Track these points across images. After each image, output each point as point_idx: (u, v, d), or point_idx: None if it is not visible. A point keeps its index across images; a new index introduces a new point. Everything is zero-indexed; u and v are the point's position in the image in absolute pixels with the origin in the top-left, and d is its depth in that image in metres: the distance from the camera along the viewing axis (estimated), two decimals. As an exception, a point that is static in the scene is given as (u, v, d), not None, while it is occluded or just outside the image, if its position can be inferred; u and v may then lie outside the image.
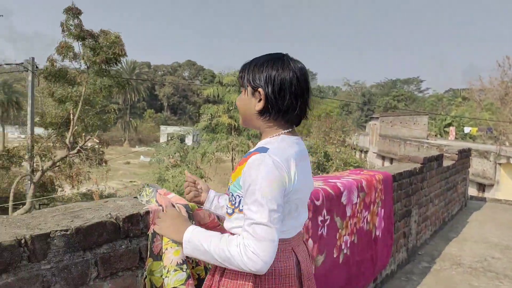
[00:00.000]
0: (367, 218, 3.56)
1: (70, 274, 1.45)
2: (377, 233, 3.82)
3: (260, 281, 1.39)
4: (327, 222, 2.90)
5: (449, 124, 40.68)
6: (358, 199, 3.34)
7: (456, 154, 7.39)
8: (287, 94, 1.38)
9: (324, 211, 2.84)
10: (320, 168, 15.36)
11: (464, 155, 8.13)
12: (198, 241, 1.40)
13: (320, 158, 15.77)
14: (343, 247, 3.17)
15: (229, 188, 1.48)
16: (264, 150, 1.35)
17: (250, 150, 1.43)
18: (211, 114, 22.08)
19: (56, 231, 1.41)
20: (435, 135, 38.62)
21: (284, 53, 1.47)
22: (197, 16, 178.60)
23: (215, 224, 1.81)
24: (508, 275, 4.72)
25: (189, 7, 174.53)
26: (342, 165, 16.14)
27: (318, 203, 2.75)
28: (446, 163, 6.67)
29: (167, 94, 60.92)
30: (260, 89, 1.40)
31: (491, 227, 6.89)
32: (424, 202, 5.46)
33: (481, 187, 20.15)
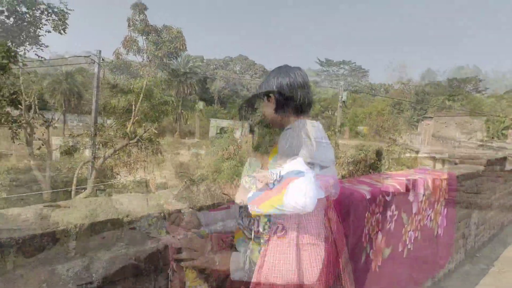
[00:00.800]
0: (430, 216, 3.70)
1: (191, 245, 1.75)
2: (439, 232, 3.94)
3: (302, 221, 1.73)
4: (395, 217, 3.08)
5: (508, 127, 38.80)
6: (424, 197, 3.49)
7: (520, 157, 7.26)
8: (286, 91, 1.84)
9: (393, 207, 3.02)
10: (372, 167, 15.24)
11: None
12: (257, 199, 1.72)
13: (371, 156, 15.66)
14: (407, 242, 3.34)
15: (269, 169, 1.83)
16: (287, 129, 1.78)
17: None
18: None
19: (185, 208, 1.71)
20: (492, 138, 37.01)
21: (284, 64, 1.92)
22: (251, 12, 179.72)
23: None
24: None
25: (244, 2, 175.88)
26: (395, 164, 15.96)
27: (388, 198, 2.94)
28: (510, 166, 6.58)
29: (218, 88, 61.79)
30: (270, 94, 1.87)
31: (553, 234, 6.74)
32: (484, 205, 5.47)
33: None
